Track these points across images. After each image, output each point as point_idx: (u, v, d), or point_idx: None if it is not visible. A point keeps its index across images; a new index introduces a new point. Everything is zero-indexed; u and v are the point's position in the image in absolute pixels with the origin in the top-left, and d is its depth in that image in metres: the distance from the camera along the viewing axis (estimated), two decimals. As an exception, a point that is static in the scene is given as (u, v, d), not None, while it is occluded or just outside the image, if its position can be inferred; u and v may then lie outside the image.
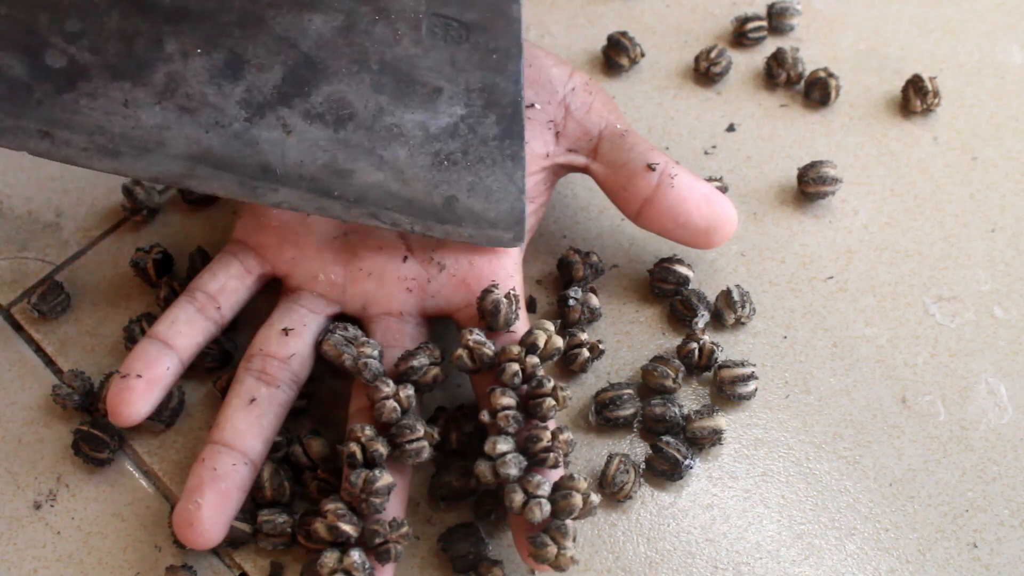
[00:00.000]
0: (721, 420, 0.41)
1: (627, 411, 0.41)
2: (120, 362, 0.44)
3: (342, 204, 0.39)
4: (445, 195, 0.39)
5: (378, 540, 0.35)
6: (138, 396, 0.38)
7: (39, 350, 0.45)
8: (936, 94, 0.50)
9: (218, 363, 0.43)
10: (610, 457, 0.40)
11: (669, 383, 0.42)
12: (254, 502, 0.40)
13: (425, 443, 0.37)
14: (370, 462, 0.37)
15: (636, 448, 0.42)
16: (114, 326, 0.45)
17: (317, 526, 0.36)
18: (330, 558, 0.35)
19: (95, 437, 0.41)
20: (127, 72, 0.38)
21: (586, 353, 0.39)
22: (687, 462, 0.40)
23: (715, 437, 0.41)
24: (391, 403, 0.37)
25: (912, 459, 0.42)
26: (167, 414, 0.42)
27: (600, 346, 0.42)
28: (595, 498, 0.36)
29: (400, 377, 0.38)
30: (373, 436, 0.37)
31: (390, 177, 0.39)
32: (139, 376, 0.39)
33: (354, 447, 0.37)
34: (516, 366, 0.37)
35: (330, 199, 0.39)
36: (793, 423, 0.42)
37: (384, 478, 0.36)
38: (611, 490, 0.40)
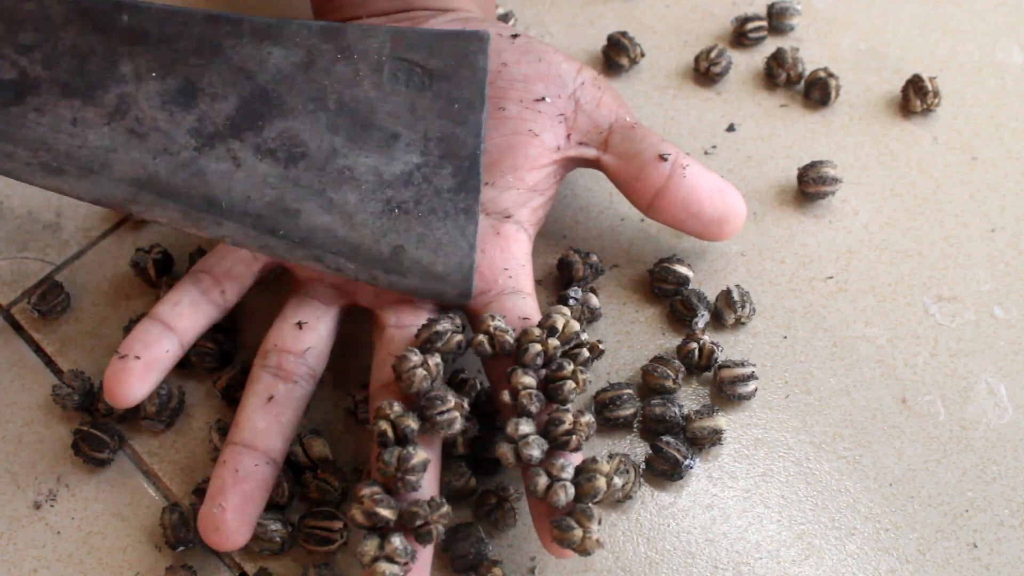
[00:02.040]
0: (721, 420, 0.41)
1: (627, 411, 0.41)
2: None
3: (286, 244, 0.38)
4: (393, 244, 0.38)
5: (419, 522, 0.35)
6: (136, 378, 0.38)
7: (39, 350, 0.45)
8: (936, 94, 0.50)
9: (218, 363, 0.43)
10: (610, 457, 0.40)
11: (669, 383, 0.42)
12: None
13: (457, 414, 0.36)
14: (401, 439, 0.36)
15: (636, 448, 0.42)
16: (114, 326, 0.45)
17: (353, 512, 0.35)
18: (370, 545, 0.34)
19: (95, 437, 0.41)
20: (78, 90, 0.37)
21: (586, 353, 0.39)
22: (687, 462, 0.40)
23: (715, 437, 0.41)
24: (420, 372, 0.36)
25: (912, 459, 0.42)
26: (167, 414, 0.42)
27: (600, 346, 0.42)
28: (618, 481, 0.36)
29: (423, 347, 0.38)
30: (402, 412, 0.36)
31: (338, 221, 0.38)
32: (137, 357, 0.38)
33: (384, 425, 0.36)
34: (538, 347, 0.37)
35: (275, 238, 0.38)
36: (793, 423, 0.42)
37: (419, 455, 0.35)
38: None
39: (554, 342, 0.37)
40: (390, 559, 0.34)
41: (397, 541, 0.34)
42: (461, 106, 0.39)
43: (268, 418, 0.38)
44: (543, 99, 0.42)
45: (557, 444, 0.36)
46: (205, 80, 0.38)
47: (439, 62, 0.39)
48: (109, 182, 0.37)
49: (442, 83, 0.39)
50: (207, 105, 0.38)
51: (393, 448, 0.35)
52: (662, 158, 0.42)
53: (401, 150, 0.39)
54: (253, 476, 0.37)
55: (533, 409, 0.36)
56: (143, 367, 0.38)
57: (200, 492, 0.40)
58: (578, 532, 0.35)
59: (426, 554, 0.36)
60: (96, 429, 0.41)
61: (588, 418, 0.36)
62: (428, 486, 0.37)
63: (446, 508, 0.35)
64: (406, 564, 0.34)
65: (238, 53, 0.38)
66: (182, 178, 0.38)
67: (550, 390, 0.37)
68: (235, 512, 0.36)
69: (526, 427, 0.36)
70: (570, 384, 0.37)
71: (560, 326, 0.38)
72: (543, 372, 0.37)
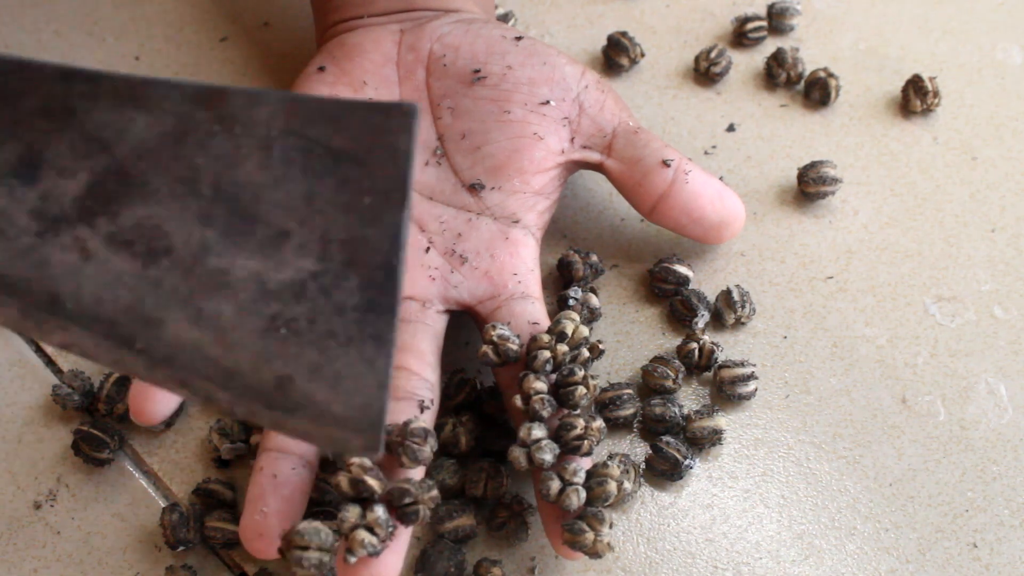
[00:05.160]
0: (721, 420, 0.41)
1: (627, 411, 0.41)
2: (120, 362, 0.44)
3: (145, 361, 0.31)
4: (278, 373, 0.30)
5: (408, 500, 0.34)
6: (161, 394, 0.38)
7: (39, 350, 0.45)
8: (936, 94, 0.50)
9: (218, 363, 0.43)
10: (610, 457, 0.40)
11: (669, 383, 0.42)
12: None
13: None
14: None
15: (636, 448, 0.42)
16: (114, 326, 0.45)
17: (339, 479, 0.34)
18: (352, 512, 0.34)
19: (95, 437, 0.41)
20: None
21: (586, 353, 0.39)
22: (687, 462, 0.40)
23: (715, 437, 0.41)
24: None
25: (912, 459, 0.42)
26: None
27: (600, 346, 0.42)
28: (628, 485, 0.36)
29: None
30: None
31: (209, 338, 0.30)
32: None
33: None
34: (547, 353, 0.37)
35: (131, 352, 0.31)
36: (793, 423, 0.42)
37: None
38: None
39: (563, 348, 0.37)
40: (370, 529, 0.34)
41: (380, 511, 0.34)
42: (375, 199, 0.30)
43: None
44: (548, 102, 0.42)
45: (568, 449, 0.36)
46: (52, 150, 0.31)
47: (347, 140, 0.31)
48: None
49: (350, 168, 0.31)
50: (53, 181, 0.31)
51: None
52: (665, 164, 0.42)
53: (292, 252, 0.31)
54: (291, 480, 0.37)
55: (545, 414, 0.37)
56: None
57: (200, 492, 0.40)
58: (589, 535, 0.35)
59: (405, 535, 0.35)
60: (96, 429, 0.41)
61: (599, 423, 0.36)
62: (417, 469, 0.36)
63: (435, 492, 0.35)
64: (384, 540, 0.34)
65: (93, 118, 0.31)
66: (20, 269, 0.31)
67: (561, 395, 0.37)
68: (277, 517, 0.36)
69: (538, 432, 0.36)
70: (581, 390, 0.37)
71: (569, 332, 0.38)
72: (553, 377, 0.38)
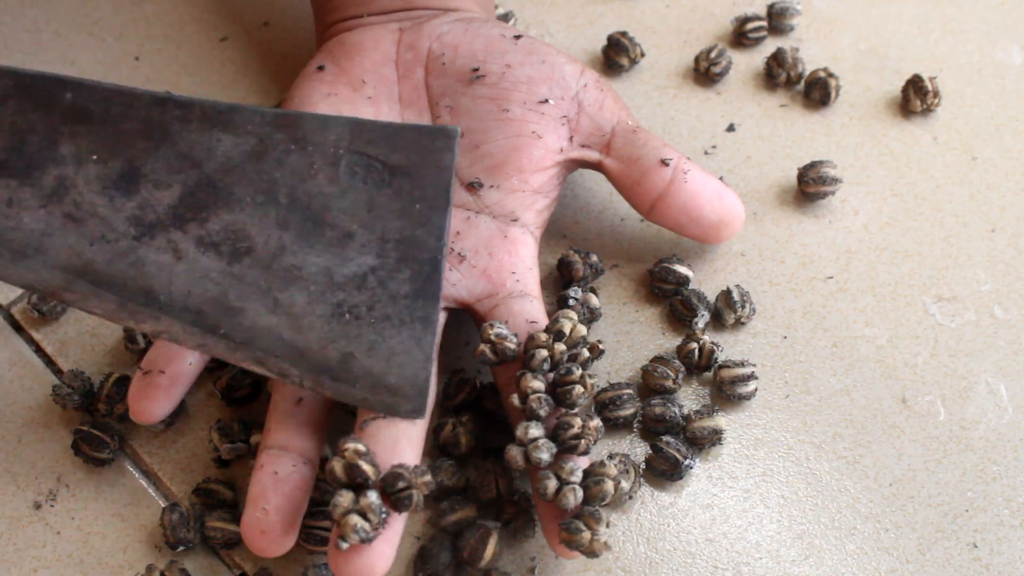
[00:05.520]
0: (721, 420, 0.41)
1: (627, 411, 0.41)
2: (120, 362, 0.44)
3: (227, 344, 0.36)
4: (342, 351, 0.36)
5: (401, 485, 0.34)
6: (162, 393, 0.38)
7: (39, 350, 0.45)
8: (936, 94, 0.50)
9: (217, 363, 0.43)
10: (609, 456, 0.40)
11: (669, 383, 0.42)
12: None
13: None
14: None
15: (636, 448, 0.42)
16: (114, 326, 0.45)
17: (334, 465, 0.34)
18: (345, 498, 0.34)
19: (95, 437, 0.41)
20: (15, 169, 0.35)
21: (586, 353, 0.39)
22: (687, 462, 0.40)
23: (715, 437, 0.41)
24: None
25: (912, 459, 0.42)
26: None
27: (600, 346, 0.42)
28: (625, 485, 0.37)
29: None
30: None
31: (284, 323, 0.36)
32: (162, 372, 0.39)
33: None
34: (545, 352, 0.37)
35: (215, 337, 0.36)
36: (793, 423, 0.42)
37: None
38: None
39: (560, 347, 0.37)
40: (363, 514, 0.34)
41: (373, 497, 0.34)
42: (423, 206, 0.37)
43: (299, 419, 0.38)
44: (546, 101, 0.42)
45: (566, 448, 0.36)
46: (149, 165, 0.36)
47: (401, 158, 0.37)
48: (43, 268, 0.35)
49: (403, 181, 0.37)
50: (149, 192, 0.36)
51: None
52: (664, 163, 0.42)
53: (355, 250, 0.36)
54: (292, 477, 0.37)
55: (542, 413, 0.37)
56: (168, 381, 0.39)
57: (200, 492, 0.40)
58: (586, 534, 0.35)
59: (399, 523, 0.35)
60: (96, 429, 0.41)
61: (596, 422, 0.36)
62: (411, 456, 0.36)
63: (428, 478, 0.35)
64: (377, 527, 0.34)
65: (185, 139, 0.36)
66: (119, 268, 0.36)
67: (558, 394, 0.37)
68: (279, 515, 0.36)
69: (535, 431, 0.36)
70: (578, 389, 0.37)
71: (567, 331, 0.38)
72: (551, 376, 0.38)
